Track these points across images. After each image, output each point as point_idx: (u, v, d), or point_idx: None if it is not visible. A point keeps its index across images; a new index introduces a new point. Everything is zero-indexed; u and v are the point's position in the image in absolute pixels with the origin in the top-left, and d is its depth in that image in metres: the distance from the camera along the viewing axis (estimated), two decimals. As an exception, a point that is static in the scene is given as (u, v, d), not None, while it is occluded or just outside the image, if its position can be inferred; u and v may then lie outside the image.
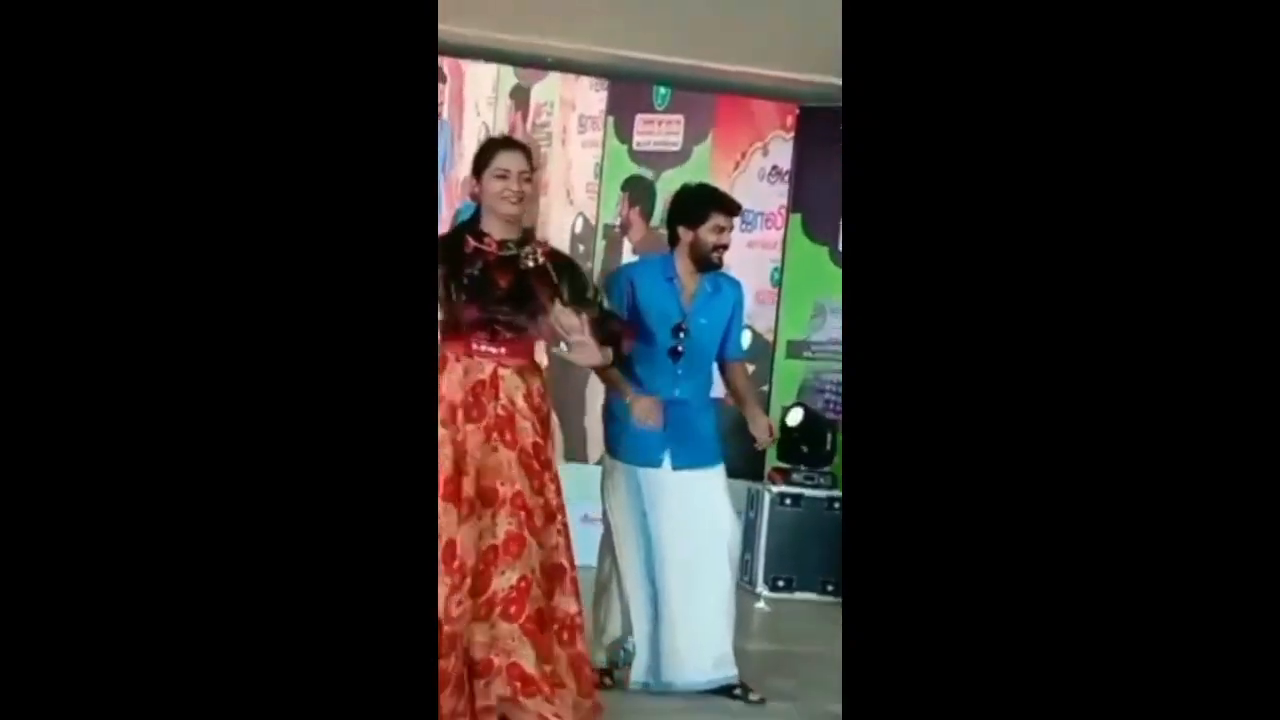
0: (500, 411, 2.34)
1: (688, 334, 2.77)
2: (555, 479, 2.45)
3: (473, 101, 4.91)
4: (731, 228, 2.83)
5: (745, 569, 4.14)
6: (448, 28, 4.23)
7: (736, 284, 2.98)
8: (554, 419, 2.62)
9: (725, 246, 2.81)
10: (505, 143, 2.58)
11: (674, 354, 2.77)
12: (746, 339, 3.19)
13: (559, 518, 2.44)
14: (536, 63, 4.76)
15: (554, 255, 2.53)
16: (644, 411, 2.64)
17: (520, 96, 4.82)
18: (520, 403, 2.38)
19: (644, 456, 2.80)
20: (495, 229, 2.45)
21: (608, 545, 2.85)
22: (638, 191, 4.73)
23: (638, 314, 2.78)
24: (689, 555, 2.77)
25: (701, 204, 2.79)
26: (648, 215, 4.72)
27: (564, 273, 2.48)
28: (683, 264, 2.80)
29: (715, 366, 2.93)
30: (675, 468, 2.80)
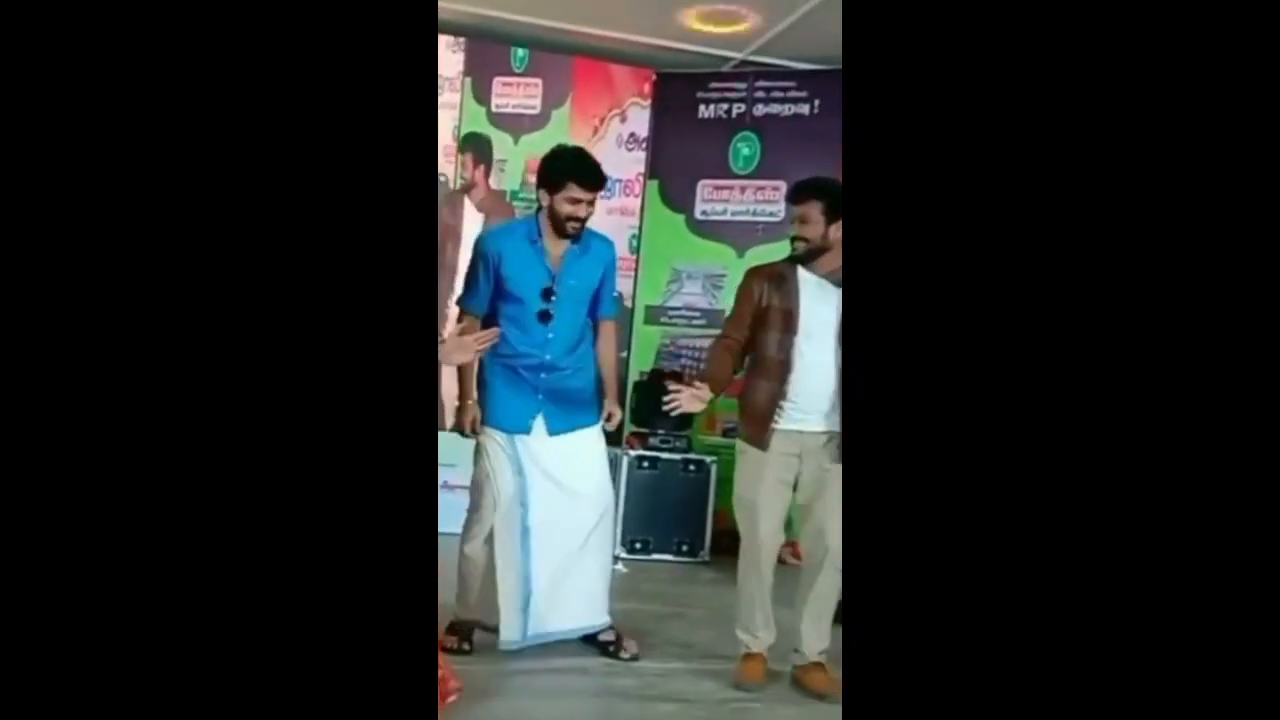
0: None
1: (556, 296, 2.74)
2: None
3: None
4: (590, 200, 2.73)
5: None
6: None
7: (609, 243, 2.92)
8: None
9: (579, 219, 2.73)
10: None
11: (543, 317, 2.74)
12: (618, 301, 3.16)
13: None
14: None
15: None
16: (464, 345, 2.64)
17: None
18: None
19: (516, 423, 2.77)
20: None
21: (476, 514, 2.82)
22: (479, 151, 4.67)
23: (506, 278, 2.74)
24: (566, 518, 2.77)
25: (561, 171, 2.73)
26: (487, 174, 4.65)
27: None
28: (546, 227, 2.75)
29: (589, 331, 2.89)
30: (551, 433, 2.78)
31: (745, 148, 4.76)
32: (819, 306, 2.59)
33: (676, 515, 4.32)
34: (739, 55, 4.73)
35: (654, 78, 4.83)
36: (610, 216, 4.87)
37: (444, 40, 4.68)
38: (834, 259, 2.60)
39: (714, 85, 4.81)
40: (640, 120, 4.84)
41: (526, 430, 2.77)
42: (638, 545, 4.30)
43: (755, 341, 2.67)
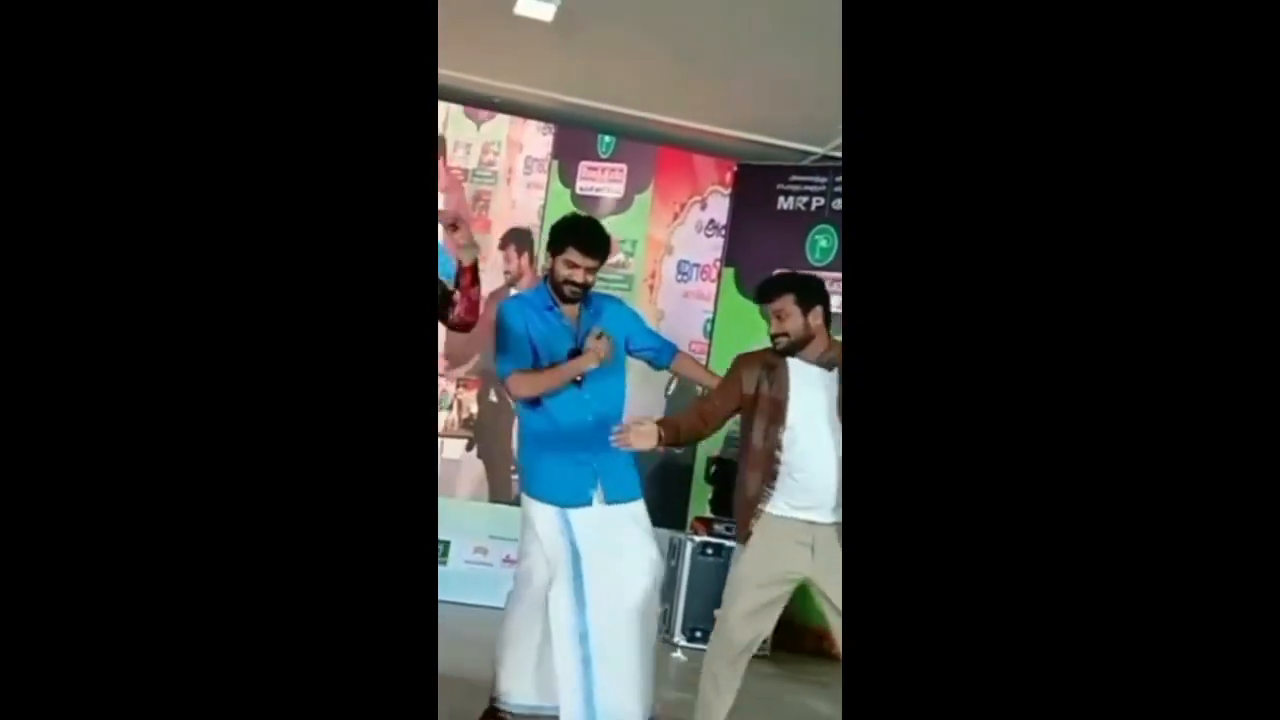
0: None
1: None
2: None
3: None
4: (590, 267, 2.69)
5: (664, 619, 4.16)
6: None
7: (616, 300, 2.92)
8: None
9: (575, 283, 2.69)
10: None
11: (576, 380, 2.70)
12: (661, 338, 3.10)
13: None
14: (484, 103, 4.80)
15: None
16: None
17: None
18: None
19: (573, 496, 2.70)
20: None
21: (523, 597, 2.74)
22: (520, 242, 4.84)
23: (534, 346, 2.72)
24: (621, 600, 2.68)
25: (562, 235, 2.73)
26: (533, 263, 4.80)
27: None
28: (555, 294, 2.75)
29: (625, 394, 2.86)
30: (609, 502, 2.71)
31: (823, 240, 4.80)
32: (811, 393, 2.60)
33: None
34: (820, 150, 4.80)
35: (735, 168, 4.93)
36: (686, 300, 4.94)
37: (533, 125, 4.87)
38: (820, 344, 2.64)
39: (794, 178, 4.88)
40: (720, 207, 4.92)
41: (587, 501, 2.70)
42: (698, 634, 4.22)
43: (744, 430, 2.68)
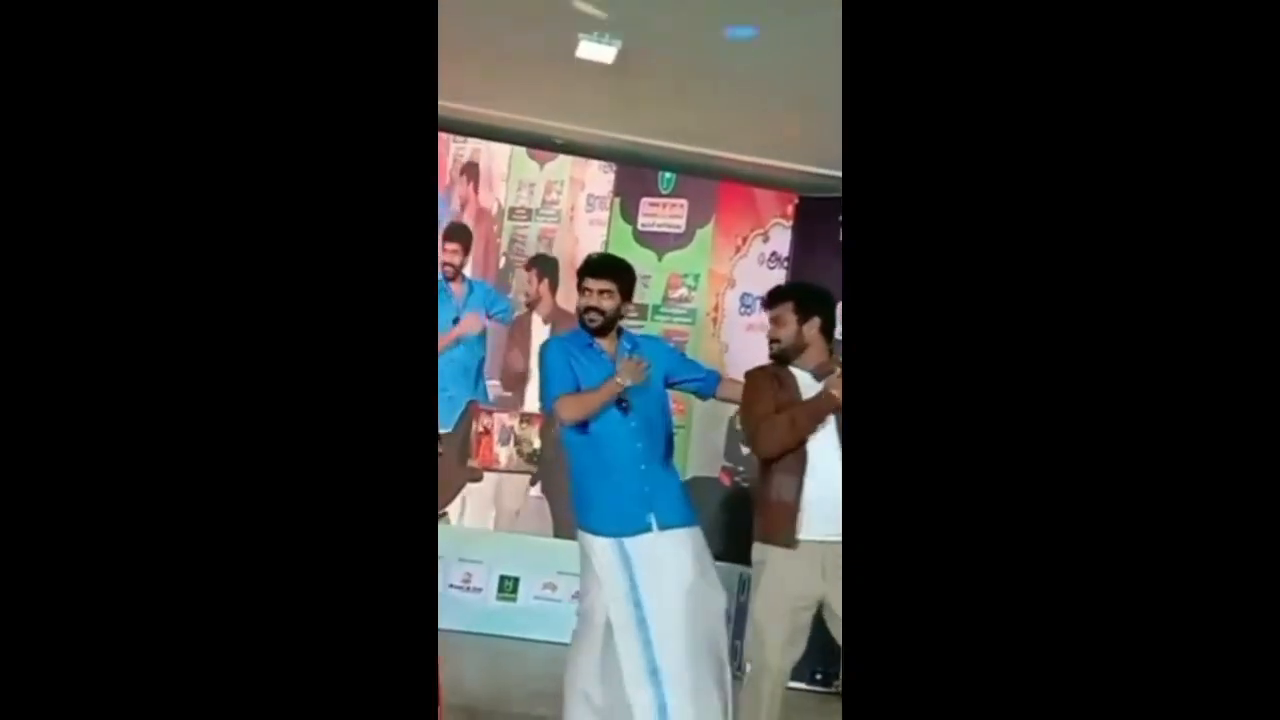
0: None
1: (626, 388, 2.75)
2: None
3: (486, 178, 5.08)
4: (604, 290, 2.78)
5: (734, 655, 4.11)
6: (463, 107, 4.40)
7: (651, 337, 3.02)
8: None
9: (593, 307, 2.77)
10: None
11: (623, 407, 2.74)
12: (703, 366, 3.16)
13: None
14: (547, 144, 4.90)
15: None
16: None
17: (471, 172, 5.03)
18: None
19: (629, 524, 2.71)
20: None
21: (585, 636, 2.73)
22: (545, 268, 4.93)
23: (577, 380, 2.78)
24: (689, 633, 2.67)
25: (578, 272, 2.87)
26: (554, 290, 4.88)
27: None
28: (584, 328, 2.84)
29: (671, 423, 2.92)
30: (663, 528, 2.71)
31: (887, 269, 4.77)
32: None
33: (812, 641, 4.17)
34: (882, 179, 4.78)
35: (797, 200, 4.93)
36: (749, 333, 4.93)
37: (595, 164, 4.95)
38: (815, 354, 2.66)
39: (856, 208, 4.87)
40: (782, 240, 4.93)
41: (645, 528, 2.70)
42: (767, 669, 4.17)
43: None
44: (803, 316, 2.66)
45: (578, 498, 2.83)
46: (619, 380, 2.70)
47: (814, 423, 2.57)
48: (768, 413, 2.64)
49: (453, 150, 4.95)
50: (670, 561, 2.71)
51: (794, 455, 2.58)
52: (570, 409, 2.74)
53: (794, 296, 2.71)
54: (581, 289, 2.80)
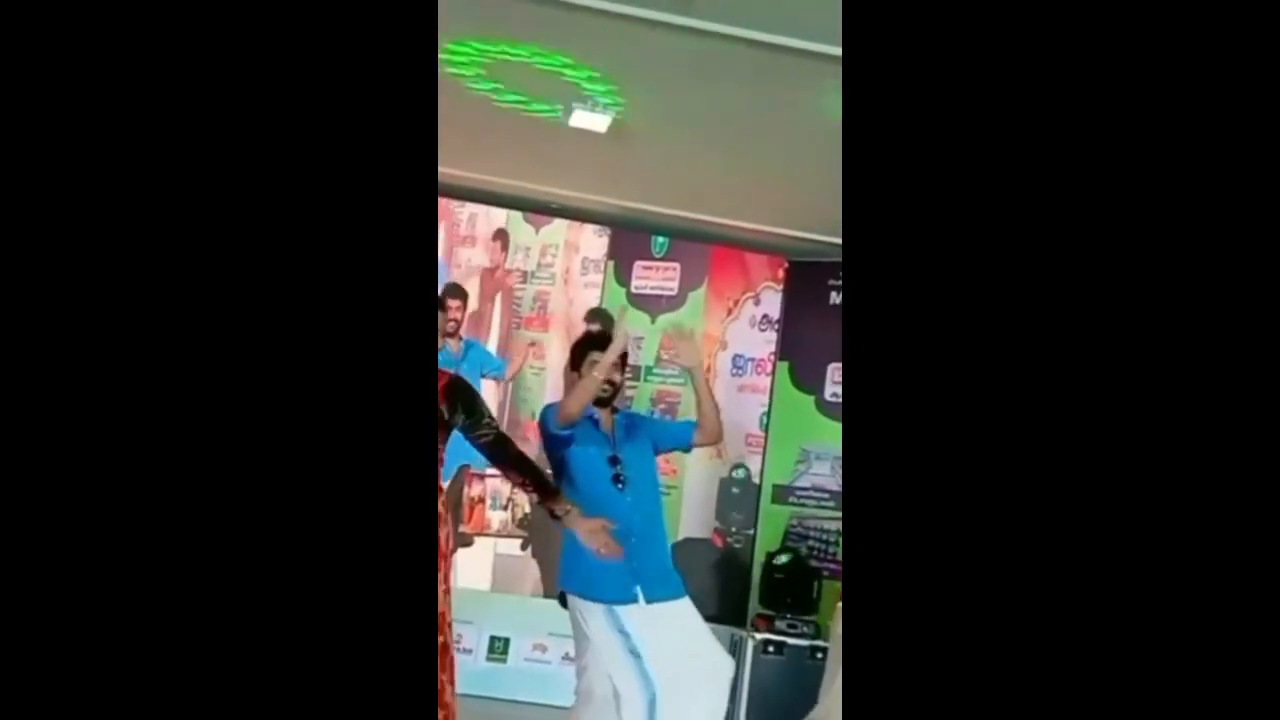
0: None
1: (622, 463, 2.84)
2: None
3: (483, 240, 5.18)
4: (616, 364, 2.86)
5: (728, 719, 4.06)
6: (462, 173, 4.51)
7: (655, 421, 3.14)
8: (448, 545, 2.56)
9: (613, 383, 2.87)
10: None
11: (617, 480, 2.82)
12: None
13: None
14: (542, 209, 5.01)
15: (452, 383, 2.59)
16: (591, 533, 2.52)
17: (501, 238, 5.11)
18: None
19: (619, 593, 2.74)
20: None
21: (591, 703, 2.74)
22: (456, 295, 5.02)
23: (578, 450, 2.85)
24: (700, 701, 2.68)
25: (582, 347, 2.94)
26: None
27: (458, 398, 2.55)
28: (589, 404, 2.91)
29: (661, 500, 3.00)
30: (649, 601, 2.75)
31: (876, 332, 4.83)
32: None
33: (804, 705, 4.13)
34: (871, 244, 4.87)
35: (787, 264, 5.02)
36: (741, 394, 4.98)
37: (590, 228, 5.05)
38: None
39: (846, 272, 4.95)
40: (773, 302, 5.00)
41: (633, 599, 2.73)
42: (761, 737, 4.12)
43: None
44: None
45: (566, 566, 2.85)
46: (609, 355, 2.79)
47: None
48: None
49: (453, 213, 5.05)
50: (673, 632, 2.73)
51: None
52: (568, 405, 2.80)
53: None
54: (590, 361, 2.84)
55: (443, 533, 2.50)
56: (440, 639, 2.42)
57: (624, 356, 2.92)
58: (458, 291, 4.97)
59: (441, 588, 2.44)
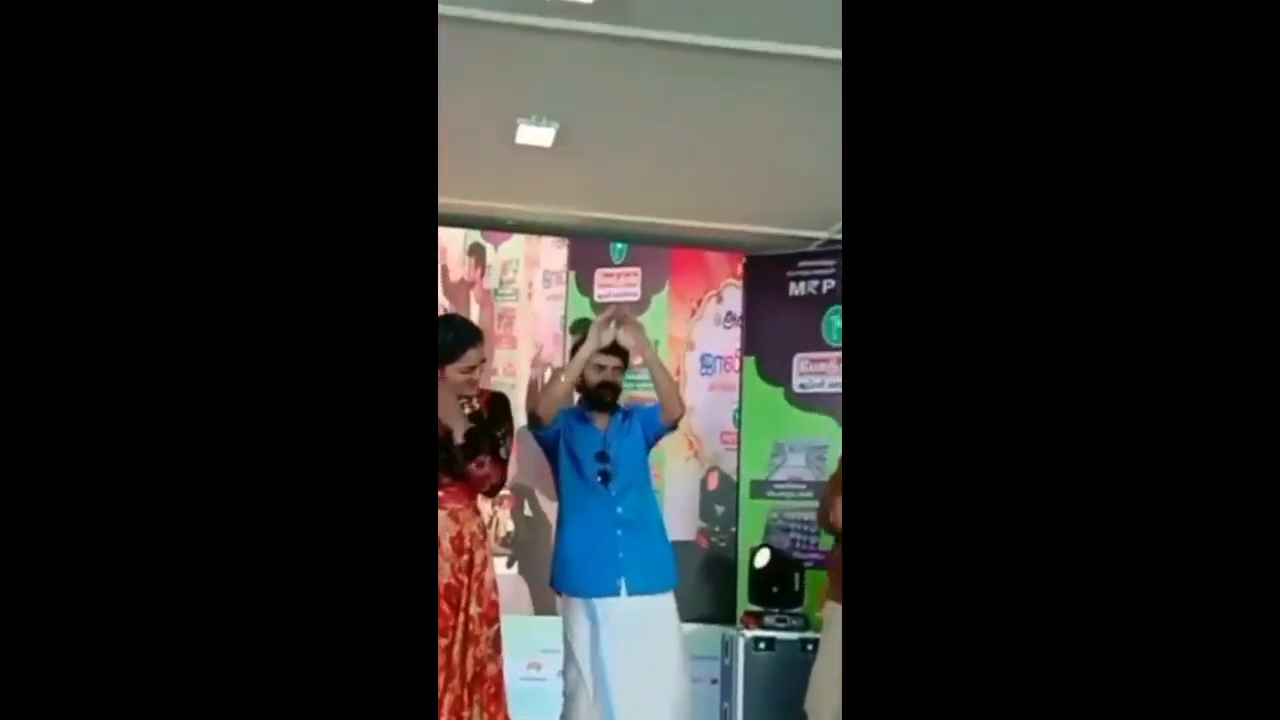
0: None
1: (611, 459, 2.92)
2: (478, 624, 2.48)
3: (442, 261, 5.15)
4: (617, 367, 2.98)
5: (723, 717, 4.07)
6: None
7: (643, 408, 3.18)
8: (490, 571, 2.61)
9: (612, 385, 2.98)
10: (474, 336, 2.69)
11: (604, 477, 2.91)
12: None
13: (486, 668, 2.46)
14: (499, 226, 4.99)
15: (492, 402, 2.68)
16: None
17: (478, 253, 5.07)
18: (445, 545, 2.48)
19: (600, 586, 2.84)
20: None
21: (575, 701, 2.82)
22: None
23: (571, 445, 2.97)
24: (648, 695, 2.76)
25: (572, 354, 3.02)
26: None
27: (499, 415, 2.65)
28: (591, 397, 3.02)
29: (653, 492, 3.08)
30: (631, 593, 2.84)
31: (839, 320, 4.86)
32: None
33: (798, 699, 4.15)
34: (825, 234, 4.91)
35: (745, 259, 5.04)
36: (712, 393, 4.99)
37: (548, 240, 5.04)
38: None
39: (803, 264, 4.98)
40: (736, 299, 5.02)
41: (614, 591, 2.82)
42: (759, 732, 4.13)
43: (829, 496, 2.77)
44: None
45: (557, 564, 2.96)
46: (590, 342, 2.89)
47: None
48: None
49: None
50: (636, 625, 2.81)
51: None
52: (551, 390, 2.92)
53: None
54: (595, 364, 2.94)
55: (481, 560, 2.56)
56: (494, 668, 2.47)
57: (625, 359, 3.00)
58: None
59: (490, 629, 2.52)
